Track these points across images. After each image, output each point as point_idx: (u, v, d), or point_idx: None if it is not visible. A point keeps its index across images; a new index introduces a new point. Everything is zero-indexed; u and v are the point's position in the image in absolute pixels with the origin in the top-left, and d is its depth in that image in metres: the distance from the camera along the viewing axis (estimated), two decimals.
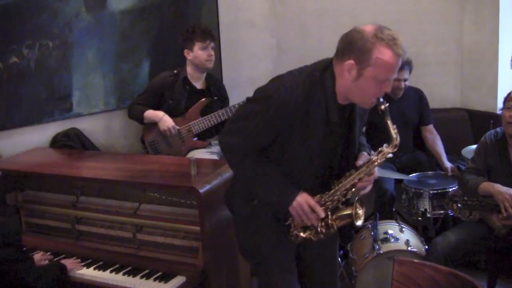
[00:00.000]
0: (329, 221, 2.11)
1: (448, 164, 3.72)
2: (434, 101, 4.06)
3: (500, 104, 3.17)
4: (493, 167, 2.98)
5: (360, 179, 2.07)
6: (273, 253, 2.24)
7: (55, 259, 2.67)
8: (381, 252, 3.01)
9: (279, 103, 1.95)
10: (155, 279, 2.49)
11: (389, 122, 2.00)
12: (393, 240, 3.10)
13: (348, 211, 2.10)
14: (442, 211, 3.37)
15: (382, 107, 1.97)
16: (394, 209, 3.68)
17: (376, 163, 2.05)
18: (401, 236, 3.13)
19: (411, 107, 3.95)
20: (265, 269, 2.28)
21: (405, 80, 3.76)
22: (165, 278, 2.49)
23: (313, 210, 2.07)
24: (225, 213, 2.65)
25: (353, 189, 2.10)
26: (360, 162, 2.10)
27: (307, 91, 1.96)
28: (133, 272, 2.56)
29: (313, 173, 2.12)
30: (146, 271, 2.55)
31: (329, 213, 2.11)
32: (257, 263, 2.31)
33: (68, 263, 2.60)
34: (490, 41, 4.04)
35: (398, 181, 3.66)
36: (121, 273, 2.56)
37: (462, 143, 3.78)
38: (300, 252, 2.39)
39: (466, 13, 4.19)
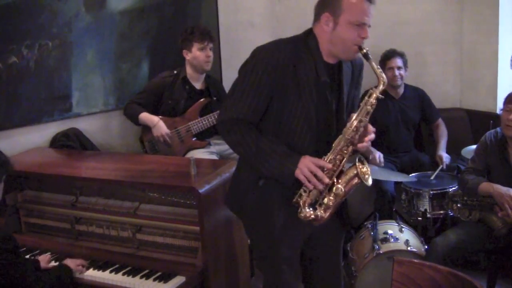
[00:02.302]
0: (337, 186, 2.07)
1: (442, 153, 3.76)
2: (434, 101, 4.07)
3: (499, 104, 3.18)
4: (492, 167, 2.98)
5: (356, 130, 2.06)
6: (281, 247, 2.23)
7: (61, 262, 2.61)
8: (381, 252, 3.01)
9: (266, 59, 2.06)
10: (154, 279, 2.49)
11: (373, 64, 2.07)
12: (392, 240, 3.10)
13: (353, 171, 2.08)
14: (442, 211, 3.37)
15: (364, 50, 2.06)
16: (393, 209, 3.68)
17: (367, 106, 2.06)
18: (400, 236, 3.13)
19: (412, 107, 3.97)
20: (272, 263, 2.27)
21: (398, 68, 3.87)
22: (164, 278, 2.48)
23: (320, 167, 2.05)
24: (225, 213, 2.65)
25: (354, 145, 2.08)
26: (352, 114, 2.11)
27: (292, 48, 2.09)
28: (132, 272, 2.55)
29: (312, 140, 2.12)
30: (146, 271, 2.55)
31: (335, 179, 2.09)
32: (264, 256, 2.31)
33: (73, 265, 2.56)
34: (489, 41, 4.04)
35: (398, 181, 3.67)
36: (120, 273, 2.56)
37: (462, 143, 3.79)
38: (305, 251, 2.38)
39: (466, 13, 4.19)
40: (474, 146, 3.25)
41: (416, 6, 4.23)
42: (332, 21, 2.05)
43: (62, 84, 3.43)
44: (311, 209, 2.09)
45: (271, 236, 2.22)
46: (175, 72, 3.62)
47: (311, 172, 2.04)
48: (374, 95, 2.06)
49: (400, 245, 3.06)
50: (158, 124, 3.49)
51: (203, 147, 3.57)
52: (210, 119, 3.54)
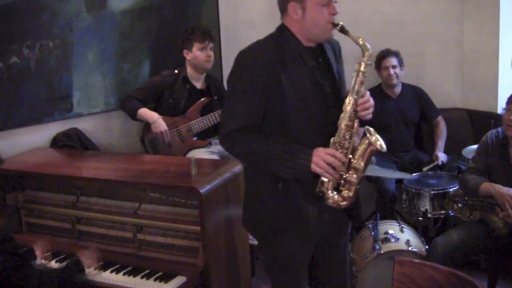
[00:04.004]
0: (355, 162, 2.07)
1: (438, 153, 3.77)
2: (435, 101, 4.07)
3: (500, 104, 3.18)
4: (493, 167, 2.98)
5: (355, 102, 2.06)
6: (297, 251, 2.21)
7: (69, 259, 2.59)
8: (382, 252, 3.01)
9: (251, 60, 2.06)
10: (155, 279, 2.49)
11: (353, 36, 2.06)
12: (393, 240, 3.10)
13: (365, 142, 2.07)
14: (443, 211, 3.37)
15: (339, 26, 2.08)
16: (394, 209, 3.68)
17: (360, 76, 2.07)
18: (401, 236, 3.13)
19: (410, 105, 3.98)
20: (285, 266, 2.24)
21: (393, 67, 3.92)
22: (165, 278, 2.48)
23: (334, 156, 2.02)
24: (226, 213, 2.65)
25: (358, 115, 2.07)
26: (348, 89, 2.11)
27: (273, 44, 2.09)
28: (133, 272, 2.55)
29: (318, 129, 2.10)
30: (147, 271, 2.55)
31: (350, 156, 2.08)
32: (277, 259, 2.25)
33: (86, 258, 2.54)
34: (490, 41, 4.04)
35: (398, 181, 3.67)
36: (121, 273, 2.56)
37: (462, 143, 3.79)
38: (313, 254, 2.36)
39: (467, 13, 4.19)
40: (475, 146, 3.25)
41: (416, 5, 4.23)
42: (299, 8, 2.06)
43: (63, 84, 3.43)
44: (335, 193, 2.09)
45: (292, 237, 2.19)
46: (176, 71, 3.62)
47: (327, 163, 2.01)
48: (363, 64, 2.07)
49: (401, 245, 3.06)
50: (157, 121, 3.49)
51: (204, 147, 3.57)
52: (211, 119, 3.54)
